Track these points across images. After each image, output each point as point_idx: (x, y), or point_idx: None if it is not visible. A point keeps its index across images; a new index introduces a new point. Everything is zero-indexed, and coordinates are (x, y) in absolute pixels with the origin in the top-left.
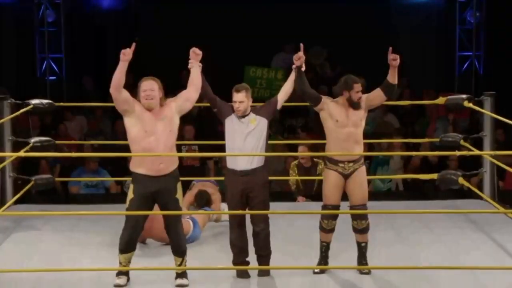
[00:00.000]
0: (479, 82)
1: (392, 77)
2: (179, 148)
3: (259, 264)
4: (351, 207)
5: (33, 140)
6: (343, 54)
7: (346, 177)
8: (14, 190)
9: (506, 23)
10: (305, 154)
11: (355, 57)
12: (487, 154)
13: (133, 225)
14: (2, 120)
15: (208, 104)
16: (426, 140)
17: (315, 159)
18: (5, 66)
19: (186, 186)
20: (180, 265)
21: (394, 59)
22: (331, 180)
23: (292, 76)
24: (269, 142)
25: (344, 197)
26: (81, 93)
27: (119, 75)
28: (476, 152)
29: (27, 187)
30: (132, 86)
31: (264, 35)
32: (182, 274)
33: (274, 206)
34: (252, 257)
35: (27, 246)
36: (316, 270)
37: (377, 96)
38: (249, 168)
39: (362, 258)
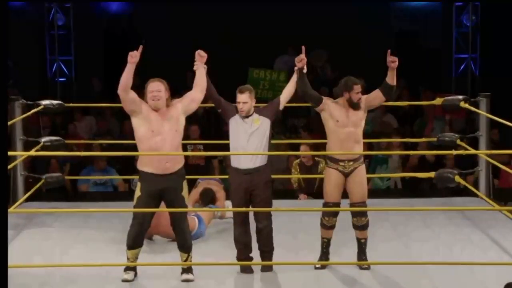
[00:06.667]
0: (475, 83)
1: (391, 79)
2: (184, 148)
3: (262, 260)
4: (351, 205)
5: (43, 139)
6: (343, 56)
7: (346, 175)
8: (25, 188)
9: (501, 27)
10: (307, 153)
11: (355, 59)
12: (482, 153)
13: (140, 222)
14: (13, 120)
15: (213, 105)
16: (423, 139)
17: (316, 158)
18: (16, 68)
19: (192, 184)
20: (185, 260)
21: (392, 61)
22: (331, 178)
23: (294, 78)
24: (272, 141)
25: (345, 195)
26: (90, 94)
27: (127, 76)
28: (472, 151)
29: (37, 185)
30: (139, 87)
31: (267, 38)
32: (187, 269)
33: (277, 203)
34: (255, 253)
35: (37, 242)
36: (317, 266)
37: (376, 97)
38: (252, 167)
39: (361, 254)
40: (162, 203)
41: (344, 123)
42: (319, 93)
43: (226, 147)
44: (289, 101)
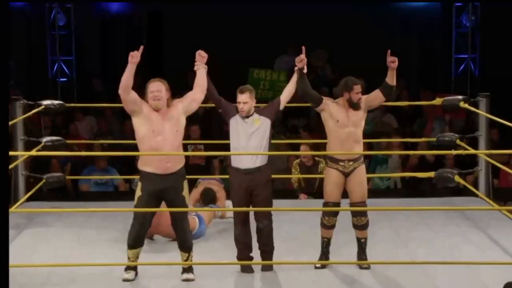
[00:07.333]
0: (474, 84)
1: (391, 79)
2: (185, 148)
3: (263, 259)
4: (351, 204)
5: (44, 139)
6: (343, 57)
7: (346, 175)
8: (26, 188)
9: (500, 27)
10: (307, 153)
11: (355, 59)
12: (482, 153)
13: (141, 222)
14: (14, 121)
15: (214, 105)
16: (423, 139)
17: (316, 158)
18: (17, 68)
19: (192, 184)
20: (186, 260)
21: (392, 61)
22: (332, 178)
23: (294, 78)
24: (272, 141)
25: (345, 194)
26: (91, 94)
27: (128, 76)
28: (472, 151)
29: (38, 185)
30: (140, 87)
31: (267, 38)
32: (188, 269)
33: (277, 203)
34: (256, 253)
35: (38, 242)
36: (317, 265)
37: (376, 97)
38: (252, 167)
39: (361, 253)
40: (163, 203)
41: (344, 123)
42: (319, 93)
43: (227, 147)
44: (289, 101)
